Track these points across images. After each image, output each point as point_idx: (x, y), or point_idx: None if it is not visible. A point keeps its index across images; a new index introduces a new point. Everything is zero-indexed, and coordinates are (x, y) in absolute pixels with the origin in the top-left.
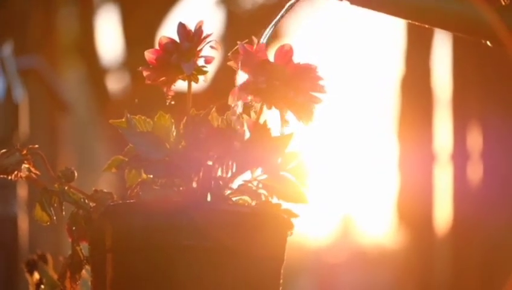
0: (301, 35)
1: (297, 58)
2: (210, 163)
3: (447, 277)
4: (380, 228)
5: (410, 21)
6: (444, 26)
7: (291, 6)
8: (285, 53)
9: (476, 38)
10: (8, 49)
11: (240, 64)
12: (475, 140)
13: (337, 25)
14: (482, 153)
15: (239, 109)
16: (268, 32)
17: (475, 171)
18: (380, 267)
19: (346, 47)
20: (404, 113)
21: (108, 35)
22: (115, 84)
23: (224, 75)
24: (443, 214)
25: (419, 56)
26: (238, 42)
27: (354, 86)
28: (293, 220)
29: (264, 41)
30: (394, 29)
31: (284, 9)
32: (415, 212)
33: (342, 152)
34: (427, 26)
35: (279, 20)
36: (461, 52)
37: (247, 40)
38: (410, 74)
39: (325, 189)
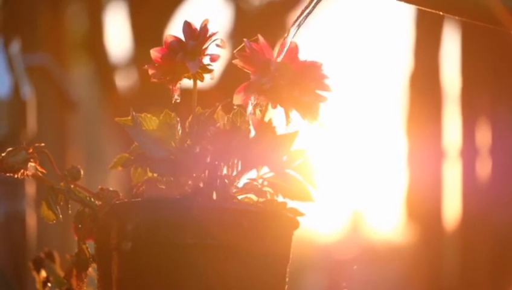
0: (309, 30)
1: (303, 56)
2: (215, 161)
3: (455, 273)
4: (389, 224)
5: (415, 5)
6: (449, 11)
7: (318, 1)
8: (291, 51)
9: (482, 23)
10: (15, 46)
11: (245, 63)
12: (484, 136)
13: (345, 20)
14: (491, 149)
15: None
16: (294, 31)
17: (484, 167)
18: (389, 263)
19: (354, 43)
20: (413, 109)
21: (117, 33)
22: (123, 81)
23: (231, 72)
24: (452, 210)
25: (428, 52)
26: (245, 40)
27: (363, 82)
28: (300, 218)
29: (291, 39)
30: (403, 25)
31: (311, 5)
32: (424, 208)
33: (351, 148)
34: (428, 9)
35: (306, 17)
36: (470, 47)
37: (254, 38)
38: (419, 70)
39: (334, 185)
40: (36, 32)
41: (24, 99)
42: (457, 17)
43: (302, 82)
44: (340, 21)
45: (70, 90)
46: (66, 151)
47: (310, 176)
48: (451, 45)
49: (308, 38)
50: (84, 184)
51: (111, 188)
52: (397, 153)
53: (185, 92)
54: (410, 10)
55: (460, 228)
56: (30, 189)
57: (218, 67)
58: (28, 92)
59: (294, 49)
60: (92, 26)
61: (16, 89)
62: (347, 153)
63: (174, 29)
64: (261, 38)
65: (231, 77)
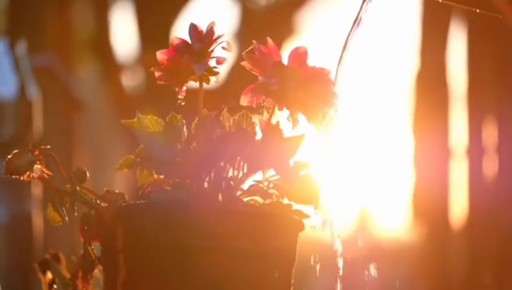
0: (315, 30)
1: (312, 61)
2: (221, 164)
3: (462, 271)
4: (396, 223)
5: None
6: None
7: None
8: (299, 55)
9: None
10: (22, 47)
11: (253, 65)
12: (491, 134)
13: (350, 19)
14: (498, 148)
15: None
16: (342, 55)
17: (490, 166)
18: (396, 261)
19: (360, 42)
20: (420, 108)
21: (123, 33)
22: (129, 81)
23: (238, 74)
24: (459, 208)
25: (435, 51)
26: (254, 42)
27: (370, 81)
28: (305, 220)
29: (338, 67)
30: (409, 24)
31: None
32: (431, 207)
33: (358, 147)
34: None
35: (349, 38)
36: (477, 46)
37: (263, 41)
38: (425, 69)
39: (342, 184)
40: (42, 33)
41: (30, 100)
42: (459, 5)
43: (309, 86)
44: (345, 20)
45: (77, 90)
46: (72, 152)
47: (315, 179)
48: (457, 44)
49: (313, 37)
50: (91, 184)
51: (117, 190)
52: (404, 151)
53: (191, 93)
54: (417, 9)
55: (467, 227)
56: (37, 190)
57: (224, 69)
58: (34, 92)
59: (303, 54)
60: (98, 27)
61: (22, 90)
62: (354, 152)
63: (181, 29)
64: (269, 40)
65: (237, 79)
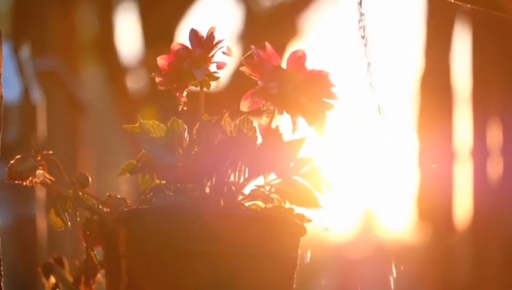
0: (318, 32)
1: (310, 64)
2: (223, 168)
3: (467, 272)
4: (401, 224)
5: None
6: None
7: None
8: (298, 59)
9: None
10: (26, 50)
11: (252, 70)
12: (495, 136)
13: (355, 21)
14: (502, 149)
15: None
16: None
17: (495, 167)
18: (401, 263)
19: (364, 43)
20: (424, 109)
21: (127, 36)
22: (133, 84)
23: (240, 77)
24: (463, 209)
25: (439, 52)
26: (252, 47)
27: (374, 83)
28: (307, 224)
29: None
30: (413, 25)
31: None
32: (436, 208)
33: (362, 148)
34: None
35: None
36: (481, 47)
37: (261, 45)
38: (430, 70)
39: (346, 185)
40: (46, 37)
41: (34, 103)
42: (463, 3)
43: (308, 89)
44: (349, 21)
45: (81, 94)
46: (76, 155)
47: (317, 182)
48: (462, 45)
49: (316, 38)
50: (95, 187)
51: (119, 195)
52: (409, 153)
53: (193, 93)
54: (422, 10)
55: (472, 228)
56: (41, 194)
57: (227, 72)
58: (38, 96)
59: (301, 58)
60: (102, 30)
61: (26, 94)
62: (358, 153)
63: (185, 31)
64: (268, 45)
65: (239, 82)
